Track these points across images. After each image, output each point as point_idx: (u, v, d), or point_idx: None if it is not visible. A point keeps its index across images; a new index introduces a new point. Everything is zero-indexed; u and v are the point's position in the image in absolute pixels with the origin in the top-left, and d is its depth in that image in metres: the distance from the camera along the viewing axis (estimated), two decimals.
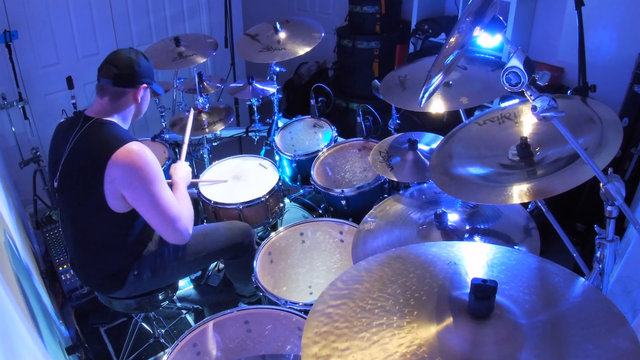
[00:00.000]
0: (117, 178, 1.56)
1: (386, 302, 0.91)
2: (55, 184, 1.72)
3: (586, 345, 0.78)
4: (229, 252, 2.00)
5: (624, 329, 0.79)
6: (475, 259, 1.04)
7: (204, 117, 2.69)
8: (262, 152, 2.92)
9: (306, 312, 1.57)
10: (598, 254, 1.15)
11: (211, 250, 1.95)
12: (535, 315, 0.84)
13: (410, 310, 0.89)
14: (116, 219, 1.65)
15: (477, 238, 1.50)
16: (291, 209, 2.61)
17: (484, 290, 0.80)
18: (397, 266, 1.01)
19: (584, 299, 0.88)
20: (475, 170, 1.36)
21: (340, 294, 0.96)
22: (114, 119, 1.70)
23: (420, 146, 2.03)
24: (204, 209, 2.37)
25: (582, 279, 0.92)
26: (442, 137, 1.62)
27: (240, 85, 2.91)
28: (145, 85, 1.73)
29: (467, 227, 1.55)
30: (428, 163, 1.97)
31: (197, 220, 2.32)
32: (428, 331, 0.83)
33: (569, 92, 1.76)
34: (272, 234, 2.01)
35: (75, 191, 1.66)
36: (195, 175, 2.43)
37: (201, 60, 2.67)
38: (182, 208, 1.72)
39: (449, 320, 0.83)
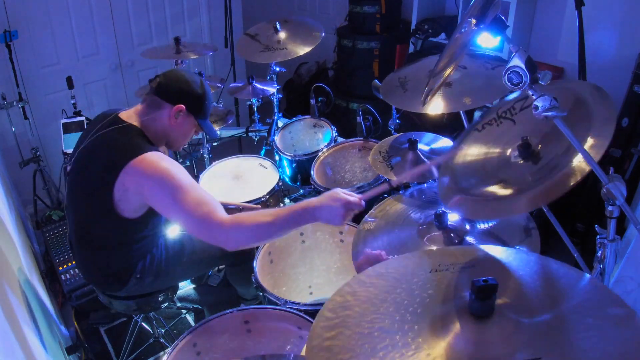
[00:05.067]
0: (131, 188, 1.51)
1: (383, 323, 0.88)
2: (67, 178, 1.70)
3: (593, 338, 0.77)
4: (231, 257, 1.98)
5: (633, 321, 0.77)
6: (472, 262, 1.02)
7: None
8: (262, 152, 2.92)
9: (306, 312, 1.57)
10: (599, 254, 1.15)
11: (214, 255, 1.93)
12: (540, 314, 0.83)
13: (410, 326, 0.86)
14: (124, 224, 1.60)
15: (469, 239, 1.50)
16: None
17: (485, 290, 0.79)
18: (381, 284, 0.97)
19: (590, 295, 0.86)
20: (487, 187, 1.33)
21: (332, 324, 0.91)
22: (143, 127, 1.62)
23: (420, 146, 2.03)
24: None
25: (587, 275, 0.90)
26: (448, 138, 1.60)
27: (240, 85, 2.91)
28: (182, 106, 1.62)
29: (467, 227, 1.55)
30: (428, 163, 1.97)
31: None
32: (435, 342, 0.81)
33: None
34: None
35: (84, 191, 1.63)
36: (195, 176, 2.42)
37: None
38: (239, 219, 1.47)
39: (453, 326, 0.82)
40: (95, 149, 1.60)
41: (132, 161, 1.49)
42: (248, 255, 2.00)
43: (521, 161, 1.26)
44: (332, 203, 1.44)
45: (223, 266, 2.67)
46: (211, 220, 1.45)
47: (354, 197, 1.47)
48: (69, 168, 1.70)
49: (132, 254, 1.72)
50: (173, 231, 1.90)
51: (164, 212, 1.54)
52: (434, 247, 1.45)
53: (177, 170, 1.51)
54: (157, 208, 1.55)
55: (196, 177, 2.44)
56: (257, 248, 1.95)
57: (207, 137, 2.95)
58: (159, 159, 1.51)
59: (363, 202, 1.49)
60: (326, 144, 2.54)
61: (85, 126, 2.82)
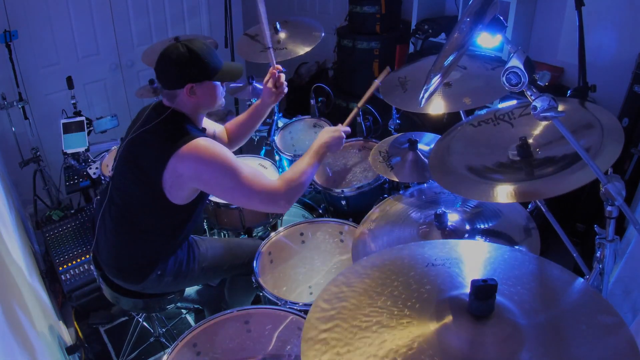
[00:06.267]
0: (185, 173, 1.57)
1: (381, 317, 0.88)
2: (114, 163, 1.77)
3: (586, 345, 0.78)
4: (247, 267, 1.97)
5: (622, 330, 0.78)
6: (468, 258, 1.02)
7: None
8: (262, 152, 2.92)
9: (306, 312, 1.56)
10: (598, 254, 1.15)
11: (233, 264, 1.96)
12: (535, 316, 0.84)
13: (409, 322, 0.86)
14: (171, 210, 1.66)
15: (478, 238, 1.50)
16: (291, 209, 2.61)
17: (484, 290, 0.79)
18: (378, 276, 0.97)
19: (583, 300, 0.87)
20: (474, 166, 1.35)
21: (328, 315, 0.90)
22: (180, 111, 1.67)
23: (420, 146, 2.03)
24: (203, 209, 2.36)
25: (581, 279, 0.91)
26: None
27: (240, 85, 2.90)
28: (190, 84, 1.62)
29: (467, 227, 1.55)
30: (428, 163, 1.97)
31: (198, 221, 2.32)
32: (433, 339, 0.82)
33: (568, 92, 1.76)
34: (272, 234, 2.00)
35: (133, 173, 1.67)
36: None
37: None
38: (283, 178, 1.69)
39: (451, 321, 0.83)
40: (150, 138, 1.64)
41: (185, 147, 1.55)
42: None
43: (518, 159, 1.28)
44: (333, 134, 1.88)
45: None
46: (270, 190, 1.65)
47: (339, 128, 1.91)
48: (119, 152, 1.75)
49: (166, 247, 1.76)
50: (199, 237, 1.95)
51: (223, 194, 1.69)
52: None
53: (227, 153, 1.63)
54: (215, 192, 1.68)
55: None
56: (258, 251, 1.95)
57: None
58: (211, 145, 1.60)
59: (348, 128, 1.96)
60: None
61: (85, 126, 2.83)
